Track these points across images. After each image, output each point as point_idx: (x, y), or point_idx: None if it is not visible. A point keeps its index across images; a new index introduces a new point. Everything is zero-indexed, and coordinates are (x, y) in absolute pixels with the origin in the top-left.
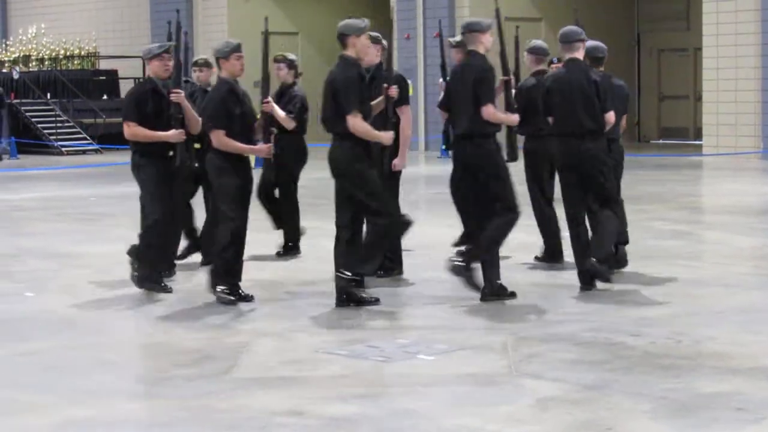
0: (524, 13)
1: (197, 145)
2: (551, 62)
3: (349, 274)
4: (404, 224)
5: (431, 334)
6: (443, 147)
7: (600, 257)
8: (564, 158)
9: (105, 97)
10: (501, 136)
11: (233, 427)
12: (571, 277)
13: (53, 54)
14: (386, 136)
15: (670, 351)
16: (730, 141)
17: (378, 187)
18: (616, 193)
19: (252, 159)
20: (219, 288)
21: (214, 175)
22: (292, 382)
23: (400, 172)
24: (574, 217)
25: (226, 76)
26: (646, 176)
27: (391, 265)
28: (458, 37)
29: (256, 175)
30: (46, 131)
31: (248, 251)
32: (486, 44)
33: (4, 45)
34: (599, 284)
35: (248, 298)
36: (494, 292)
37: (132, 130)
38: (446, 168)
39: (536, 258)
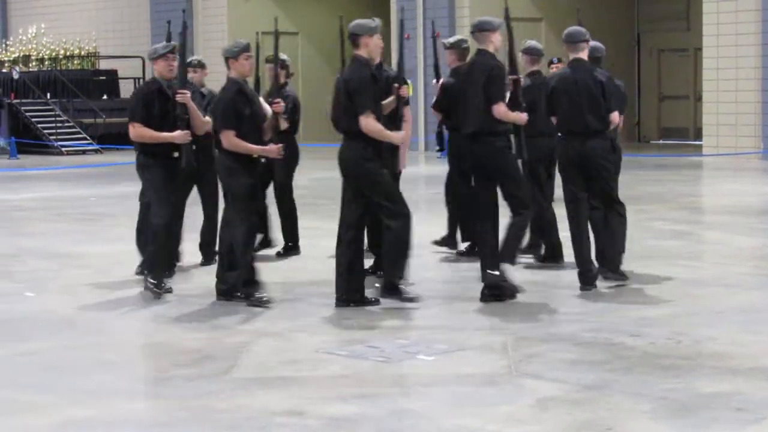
0: (524, 13)
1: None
2: (551, 62)
3: (391, 284)
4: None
5: (431, 334)
6: (437, 149)
7: (615, 269)
8: (568, 158)
9: (105, 97)
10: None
11: (233, 427)
12: (571, 277)
13: (53, 54)
14: (397, 136)
15: (670, 351)
16: (730, 141)
17: (391, 187)
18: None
19: None
20: (257, 295)
21: (224, 176)
22: (292, 382)
23: (400, 172)
24: (575, 216)
25: (235, 76)
26: (646, 176)
27: None
28: (452, 39)
29: None
30: (46, 131)
31: None
32: (496, 43)
33: (4, 45)
34: (599, 285)
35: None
36: (494, 292)
37: (138, 131)
38: (446, 168)
39: (536, 258)
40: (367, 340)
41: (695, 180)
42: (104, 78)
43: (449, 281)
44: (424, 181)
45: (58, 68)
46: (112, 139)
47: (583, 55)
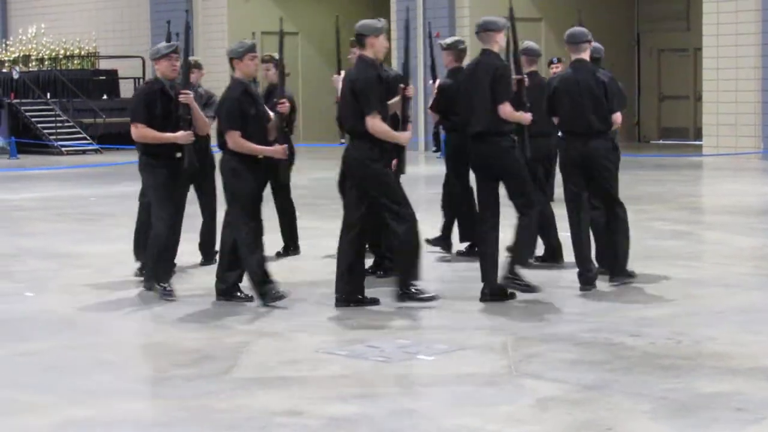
0: (524, 13)
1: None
2: (551, 62)
3: (406, 290)
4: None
5: (431, 334)
6: (434, 149)
7: (621, 272)
8: (570, 158)
9: (105, 97)
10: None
11: (233, 427)
12: (571, 277)
13: (53, 54)
14: (404, 137)
15: (670, 351)
16: (730, 141)
17: (398, 189)
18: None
19: None
20: (274, 291)
21: (228, 177)
22: (291, 382)
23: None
24: (575, 216)
25: (240, 76)
26: (646, 176)
27: (391, 265)
28: (449, 40)
29: None
30: (46, 131)
31: None
32: (501, 43)
33: (4, 45)
34: (599, 284)
35: (249, 299)
36: (494, 292)
37: (140, 132)
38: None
39: (536, 258)
40: (367, 340)
41: (695, 180)
42: (104, 78)
43: (449, 281)
44: (424, 181)
45: (58, 68)
46: (112, 139)
47: (585, 55)
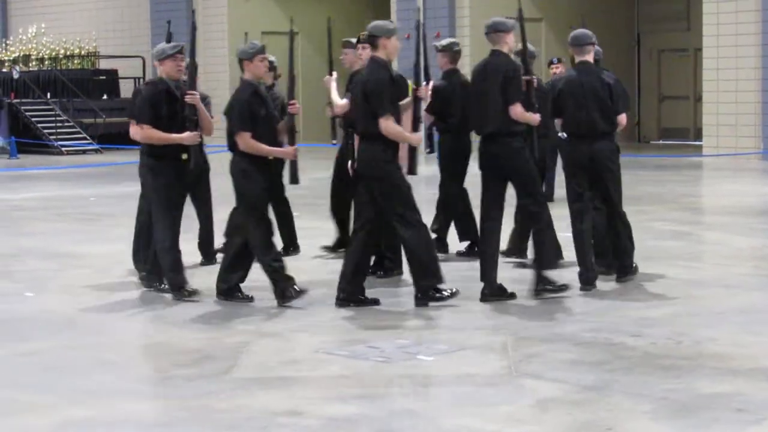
0: (525, 13)
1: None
2: (551, 62)
3: (425, 296)
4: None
5: (431, 335)
6: (427, 150)
7: (625, 272)
8: (575, 159)
9: (105, 96)
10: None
11: (233, 427)
12: (571, 277)
13: (53, 54)
14: (416, 138)
15: (671, 351)
16: (730, 141)
17: (408, 192)
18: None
19: None
20: (293, 289)
21: (238, 179)
22: (292, 382)
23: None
24: (578, 216)
25: (249, 78)
26: (646, 177)
27: (391, 265)
28: (444, 42)
29: None
30: (46, 131)
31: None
32: (510, 44)
33: (4, 45)
34: (599, 285)
35: (250, 299)
36: (494, 292)
37: (146, 133)
38: None
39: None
40: (367, 340)
41: (695, 180)
42: (104, 78)
43: (449, 281)
44: (423, 181)
45: (58, 68)
46: (112, 138)
47: (590, 57)
